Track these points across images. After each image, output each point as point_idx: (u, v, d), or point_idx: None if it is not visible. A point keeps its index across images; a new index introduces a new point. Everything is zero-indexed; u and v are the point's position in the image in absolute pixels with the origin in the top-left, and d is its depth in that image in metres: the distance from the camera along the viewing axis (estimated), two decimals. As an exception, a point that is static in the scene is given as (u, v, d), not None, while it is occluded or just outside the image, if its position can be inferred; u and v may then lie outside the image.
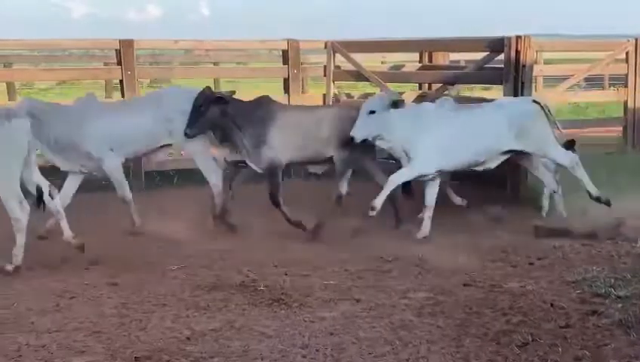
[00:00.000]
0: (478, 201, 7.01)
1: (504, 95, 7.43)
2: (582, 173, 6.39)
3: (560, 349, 3.99)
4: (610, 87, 15.47)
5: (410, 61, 9.76)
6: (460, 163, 6.45)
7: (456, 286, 5.08)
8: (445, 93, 8.43)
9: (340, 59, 9.01)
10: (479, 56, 8.31)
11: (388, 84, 8.60)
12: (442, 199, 6.78)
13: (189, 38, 13.63)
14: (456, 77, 8.48)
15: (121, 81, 8.36)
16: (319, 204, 6.65)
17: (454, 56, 10.62)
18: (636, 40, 9.64)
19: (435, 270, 5.47)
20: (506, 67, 7.48)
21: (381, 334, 4.26)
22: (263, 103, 6.66)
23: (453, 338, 4.18)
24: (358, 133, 6.27)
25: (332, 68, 9.02)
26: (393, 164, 6.83)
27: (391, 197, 6.40)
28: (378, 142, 6.42)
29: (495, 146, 6.42)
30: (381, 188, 6.35)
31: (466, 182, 7.27)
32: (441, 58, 9.25)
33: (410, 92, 9.08)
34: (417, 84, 9.28)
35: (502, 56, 7.57)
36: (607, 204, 6.36)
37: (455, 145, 6.34)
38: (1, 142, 5.45)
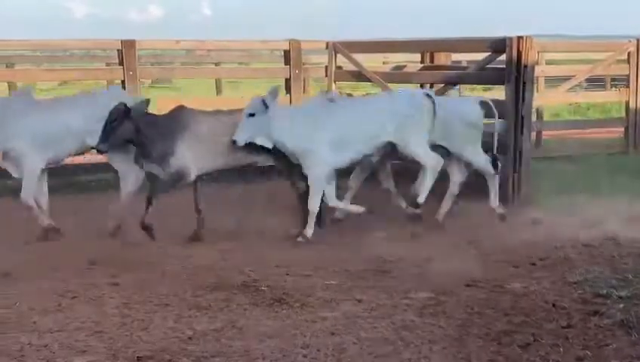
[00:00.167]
0: (480, 200, 7.00)
1: (506, 95, 7.42)
2: (429, 181, 6.42)
3: (561, 349, 4.00)
4: (611, 87, 15.46)
5: (411, 61, 9.76)
6: (352, 156, 6.43)
7: (458, 287, 5.07)
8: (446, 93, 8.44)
9: (341, 59, 9.01)
10: (481, 56, 8.31)
11: (389, 84, 8.60)
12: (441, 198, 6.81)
13: (190, 38, 13.64)
14: (458, 77, 8.47)
15: (122, 82, 8.36)
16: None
17: (456, 57, 10.60)
18: (638, 40, 9.66)
19: (436, 270, 5.46)
20: (507, 68, 7.47)
21: (383, 334, 4.26)
22: (175, 115, 6.48)
23: (455, 339, 4.18)
24: (239, 137, 6.19)
25: (333, 68, 9.02)
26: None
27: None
28: (259, 142, 6.27)
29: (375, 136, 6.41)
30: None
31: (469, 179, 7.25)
32: (443, 58, 9.25)
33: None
34: (419, 85, 9.28)
35: (504, 57, 7.57)
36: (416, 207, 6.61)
37: (344, 138, 6.32)
38: None
